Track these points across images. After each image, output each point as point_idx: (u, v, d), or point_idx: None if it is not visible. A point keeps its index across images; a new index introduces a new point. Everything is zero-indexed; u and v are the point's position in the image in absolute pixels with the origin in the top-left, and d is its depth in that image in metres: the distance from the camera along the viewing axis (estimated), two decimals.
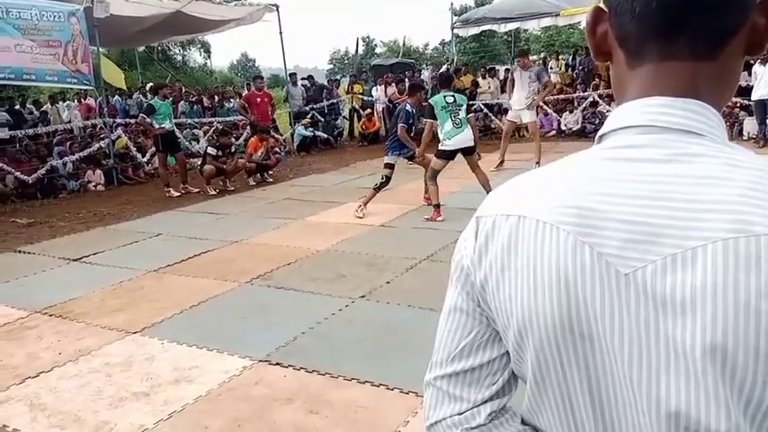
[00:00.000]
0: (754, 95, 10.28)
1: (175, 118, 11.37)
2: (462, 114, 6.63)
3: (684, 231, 0.60)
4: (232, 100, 15.16)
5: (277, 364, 3.45)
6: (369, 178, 9.74)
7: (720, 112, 0.69)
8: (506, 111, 13.98)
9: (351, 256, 5.55)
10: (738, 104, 11.39)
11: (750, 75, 10.71)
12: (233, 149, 10.17)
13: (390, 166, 7.09)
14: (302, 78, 15.79)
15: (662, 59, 0.66)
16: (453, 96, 6.72)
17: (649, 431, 0.63)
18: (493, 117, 14.23)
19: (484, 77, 15.14)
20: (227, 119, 13.47)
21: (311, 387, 3.16)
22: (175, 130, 10.27)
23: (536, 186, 0.72)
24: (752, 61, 11.13)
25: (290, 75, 14.76)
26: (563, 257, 0.65)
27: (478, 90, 14.73)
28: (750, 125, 10.99)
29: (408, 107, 7.00)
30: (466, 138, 6.62)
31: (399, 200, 7.16)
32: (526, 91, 9.34)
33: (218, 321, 4.18)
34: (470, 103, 13.97)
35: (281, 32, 13.70)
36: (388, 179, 7.08)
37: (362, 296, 4.46)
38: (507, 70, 16.38)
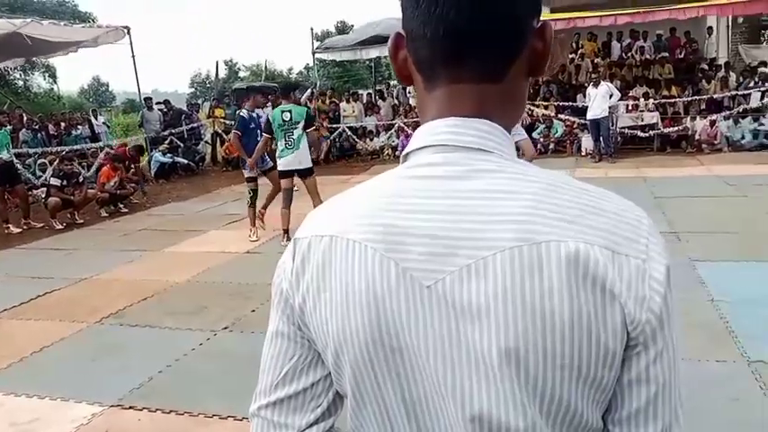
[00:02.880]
0: (589, 115, 11.37)
1: (16, 147, 10.40)
2: (297, 133, 6.24)
3: (477, 242, 0.63)
4: (80, 127, 14.17)
5: (131, 407, 3.22)
6: (233, 204, 9.49)
7: (510, 131, 0.74)
8: (370, 133, 14.37)
9: (213, 286, 5.34)
10: (576, 123, 12.52)
11: (585, 96, 11.84)
12: (80, 179, 9.47)
13: (252, 180, 6.91)
14: (158, 103, 15.13)
15: (452, 82, 0.70)
16: (290, 112, 6.26)
17: None
18: (356, 139, 14.48)
19: (348, 101, 15.40)
20: (76, 147, 12.53)
21: (169, 429, 2.98)
22: (15, 160, 9.38)
23: (347, 206, 0.73)
24: (586, 84, 12.33)
25: (145, 99, 14.12)
26: (371, 274, 0.67)
27: (342, 114, 14.96)
28: (587, 142, 12.10)
29: (243, 112, 6.88)
30: (294, 161, 6.30)
31: (266, 225, 7.02)
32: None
33: (63, 367, 3.82)
34: (332, 126, 14.41)
35: (133, 56, 13.08)
36: (254, 192, 6.92)
37: (226, 327, 4.30)
38: (370, 94, 16.86)
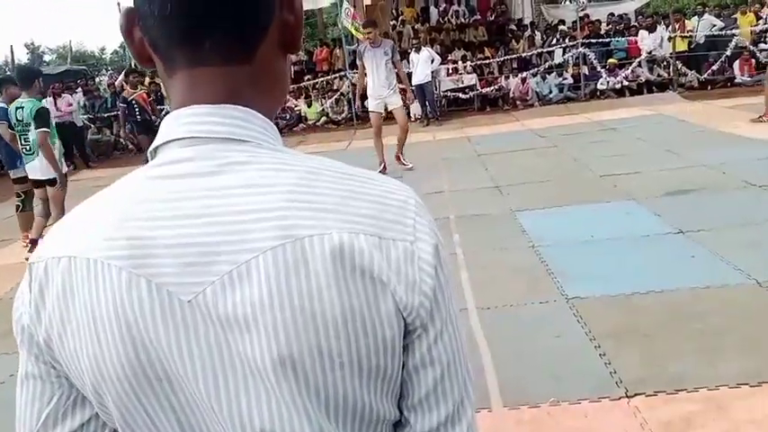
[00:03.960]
0: (413, 81, 11.72)
1: None
2: (32, 136, 5.33)
3: (236, 245, 0.57)
4: None
5: None
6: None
7: (273, 115, 0.68)
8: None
9: None
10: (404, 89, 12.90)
11: (409, 62, 12.20)
12: None
13: (22, 181, 5.88)
14: None
15: (193, 66, 0.62)
16: (23, 108, 5.29)
17: None
18: None
19: None
20: None
21: None
22: None
23: (87, 218, 0.63)
24: (409, 50, 12.70)
25: None
26: (119, 298, 0.58)
27: (166, 95, 14.05)
28: (415, 107, 12.52)
29: (3, 104, 5.82)
30: (34, 167, 5.46)
31: None
32: (384, 72, 7.18)
33: None
34: (160, 108, 13.42)
35: None
36: (24, 195, 5.98)
37: None
38: None
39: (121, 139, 13.35)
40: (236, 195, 0.58)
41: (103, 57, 44.05)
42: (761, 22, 12.64)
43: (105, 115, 13.71)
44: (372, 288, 0.58)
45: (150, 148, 0.64)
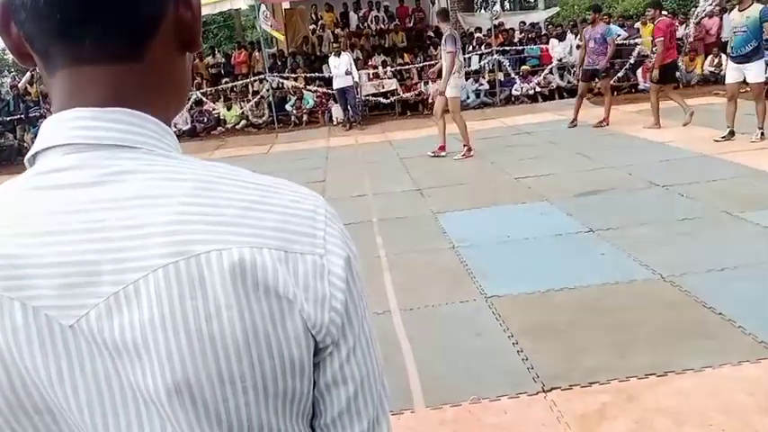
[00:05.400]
0: (335, 85, 11.75)
1: None
2: None
3: (122, 264, 0.52)
4: None
5: None
6: None
7: (170, 118, 0.63)
8: None
9: None
10: (325, 93, 12.88)
11: (329, 67, 12.18)
12: None
13: None
14: None
15: (75, 64, 0.57)
16: None
17: None
18: None
19: None
20: None
21: None
22: None
23: None
24: (329, 54, 12.67)
25: None
26: None
27: None
28: (337, 111, 12.54)
29: None
30: None
31: None
32: (442, 61, 7.75)
33: None
34: None
35: None
36: None
37: None
38: None
39: (26, 144, 12.57)
40: (124, 208, 0.53)
41: (5, 57, 41.37)
42: None
43: (8, 119, 12.87)
44: (278, 306, 0.54)
45: (28, 155, 0.58)
